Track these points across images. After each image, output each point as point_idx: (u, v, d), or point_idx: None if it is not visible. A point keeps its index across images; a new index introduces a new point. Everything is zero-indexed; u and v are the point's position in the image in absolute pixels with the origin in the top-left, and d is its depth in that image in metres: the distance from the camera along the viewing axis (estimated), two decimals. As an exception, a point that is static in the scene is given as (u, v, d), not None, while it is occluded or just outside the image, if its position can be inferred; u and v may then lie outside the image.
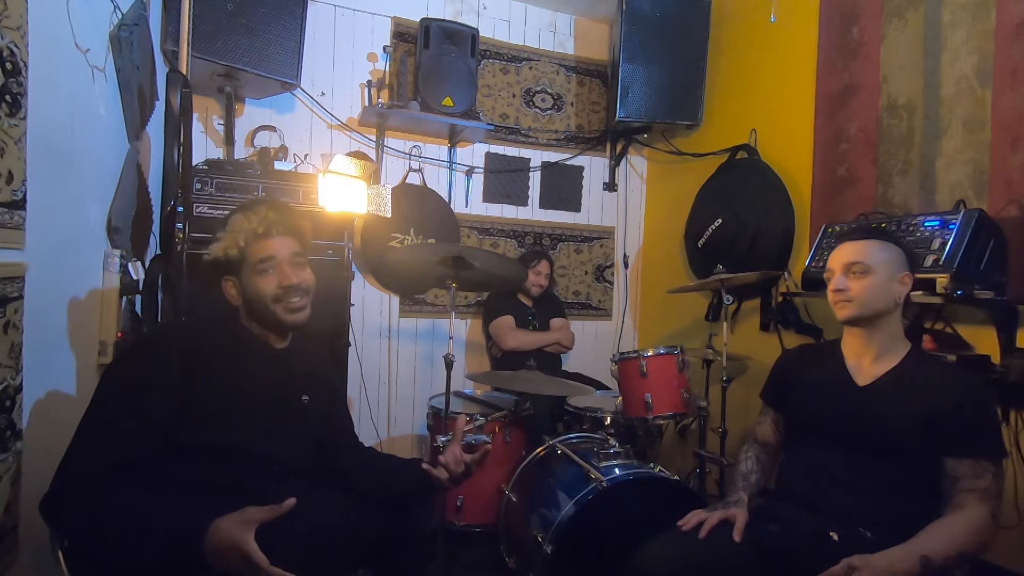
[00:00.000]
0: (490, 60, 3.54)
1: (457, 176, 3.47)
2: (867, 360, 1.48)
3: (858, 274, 1.42)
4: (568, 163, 3.72)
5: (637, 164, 3.90)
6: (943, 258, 1.80)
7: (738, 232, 2.95)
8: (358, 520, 1.35)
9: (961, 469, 1.31)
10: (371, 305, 3.29)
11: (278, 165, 2.54)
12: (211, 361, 1.25)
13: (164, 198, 2.25)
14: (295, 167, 2.58)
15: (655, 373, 2.24)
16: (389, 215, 2.73)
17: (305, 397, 1.41)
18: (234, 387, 1.27)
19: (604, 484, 1.85)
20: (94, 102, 1.60)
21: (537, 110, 3.67)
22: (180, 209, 1.77)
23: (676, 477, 1.98)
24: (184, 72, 1.98)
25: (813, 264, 2.23)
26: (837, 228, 2.23)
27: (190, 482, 1.17)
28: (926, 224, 1.91)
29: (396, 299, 3.35)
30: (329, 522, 1.30)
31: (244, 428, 1.25)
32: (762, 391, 1.71)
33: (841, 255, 1.47)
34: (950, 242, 1.81)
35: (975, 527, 1.27)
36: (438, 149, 3.43)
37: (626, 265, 3.88)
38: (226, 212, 2.15)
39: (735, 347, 2.76)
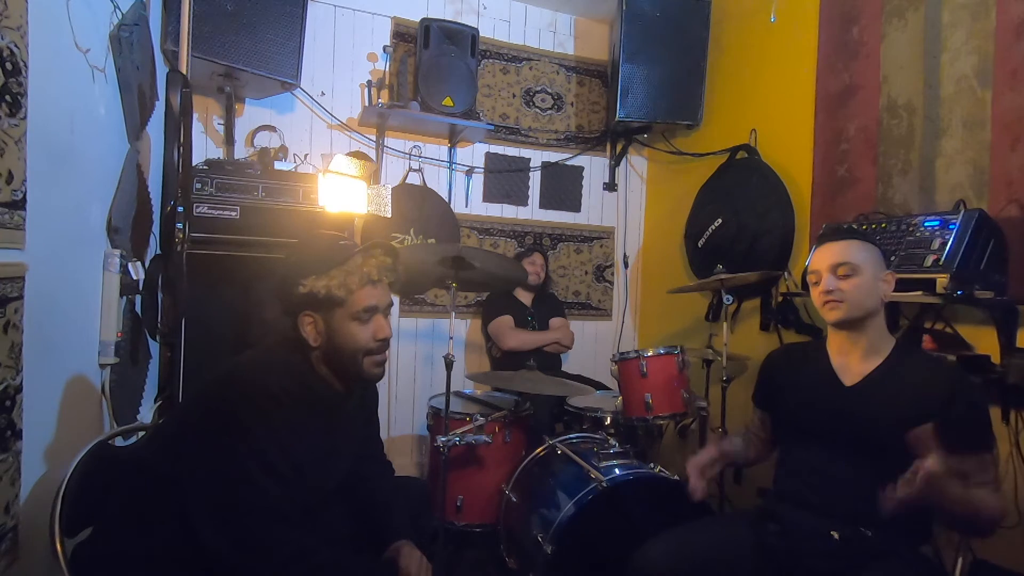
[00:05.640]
0: (490, 60, 3.54)
1: (457, 176, 3.47)
2: (853, 359, 1.48)
3: (846, 275, 1.42)
4: (568, 163, 3.72)
5: (637, 164, 3.90)
6: (943, 258, 1.80)
7: (738, 232, 2.94)
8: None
9: (967, 466, 1.30)
10: (371, 305, 3.29)
11: (278, 165, 2.54)
12: (290, 416, 1.19)
13: (164, 198, 2.26)
14: (295, 167, 2.58)
15: (655, 373, 2.24)
16: (389, 215, 2.73)
17: (354, 432, 1.41)
18: (302, 442, 1.19)
19: (604, 484, 1.85)
20: (94, 102, 1.60)
21: (537, 110, 3.66)
22: (180, 209, 1.77)
23: (676, 477, 1.98)
24: (184, 72, 1.98)
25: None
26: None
27: None
28: (926, 224, 1.91)
29: (396, 299, 3.35)
30: (357, 525, 1.39)
31: (303, 476, 1.21)
32: (753, 394, 1.72)
33: (825, 257, 1.46)
34: (950, 242, 1.81)
35: (995, 501, 1.30)
36: (438, 149, 3.43)
37: (626, 265, 3.88)
38: (229, 212, 2.23)
39: (735, 347, 2.76)
